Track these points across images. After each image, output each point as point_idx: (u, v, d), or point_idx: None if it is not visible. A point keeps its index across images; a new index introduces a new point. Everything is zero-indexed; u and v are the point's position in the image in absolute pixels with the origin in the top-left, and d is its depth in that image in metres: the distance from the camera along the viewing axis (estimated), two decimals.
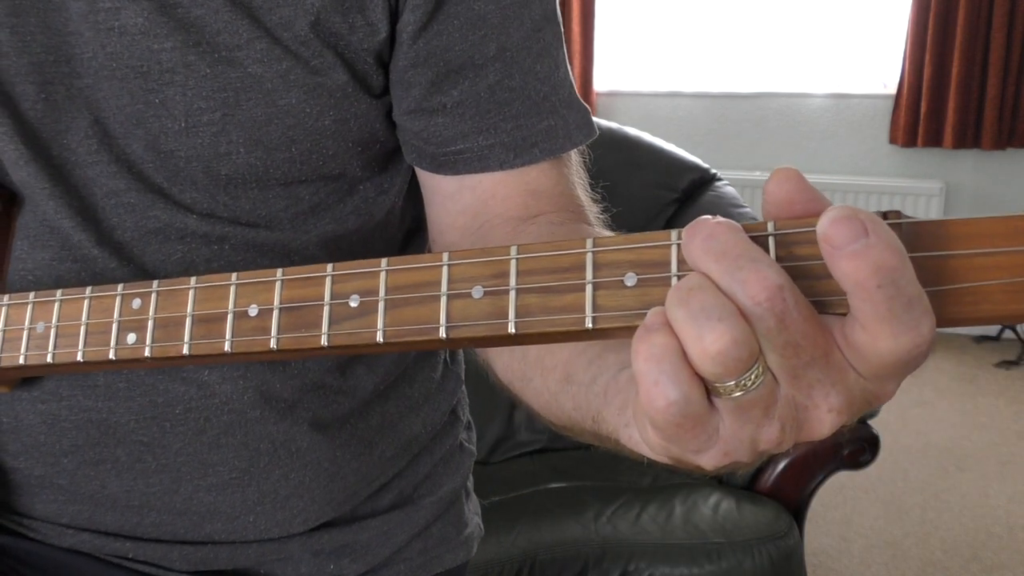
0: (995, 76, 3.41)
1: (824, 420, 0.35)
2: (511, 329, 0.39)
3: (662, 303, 0.35)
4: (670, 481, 1.72)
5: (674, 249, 0.36)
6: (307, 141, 0.60)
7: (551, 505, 1.65)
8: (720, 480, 1.74)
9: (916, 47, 3.52)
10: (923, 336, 0.32)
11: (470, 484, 0.83)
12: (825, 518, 2.43)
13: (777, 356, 0.33)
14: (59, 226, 0.60)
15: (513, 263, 0.39)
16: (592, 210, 0.65)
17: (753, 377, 0.33)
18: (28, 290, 0.54)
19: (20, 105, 0.58)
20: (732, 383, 0.33)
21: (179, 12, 0.56)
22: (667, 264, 0.36)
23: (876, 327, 0.32)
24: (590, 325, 0.37)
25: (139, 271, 0.61)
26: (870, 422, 1.72)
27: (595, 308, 0.37)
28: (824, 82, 3.84)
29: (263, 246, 0.62)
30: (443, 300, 0.40)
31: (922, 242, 0.34)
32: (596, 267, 0.37)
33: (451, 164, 0.63)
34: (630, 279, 0.37)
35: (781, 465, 1.69)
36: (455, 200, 0.64)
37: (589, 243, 0.38)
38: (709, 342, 0.32)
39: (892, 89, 3.68)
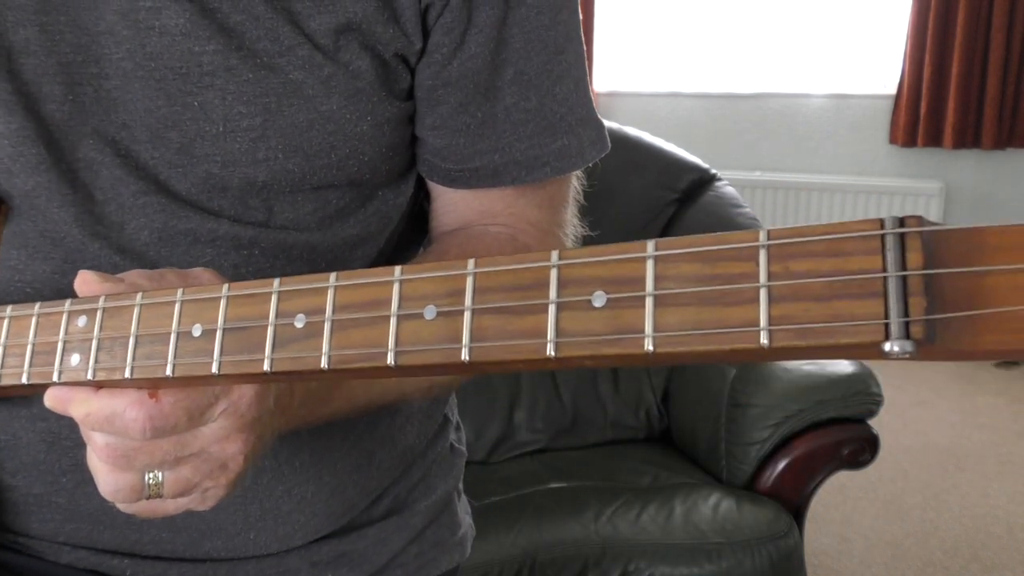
0: (995, 76, 3.41)
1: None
2: (464, 356, 0.35)
3: (633, 328, 0.32)
4: (670, 481, 1.72)
5: (650, 264, 0.32)
6: (346, 147, 0.60)
7: (551, 505, 1.65)
8: (720, 480, 1.74)
9: (916, 47, 3.52)
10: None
11: (460, 484, 0.83)
12: (825, 518, 2.43)
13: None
14: (68, 235, 0.59)
15: (470, 279, 0.35)
16: (575, 225, 0.69)
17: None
18: (25, 303, 0.53)
19: (45, 107, 0.57)
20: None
21: (219, 17, 0.55)
22: (641, 281, 0.32)
23: None
24: (552, 353, 0.33)
25: None
26: (870, 422, 1.71)
27: (558, 332, 0.33)
28: (824, 82, 3.84)
29: (292, 248, 0.62)
30: (393, 321, 0.36)
31: (951, 255, 0.28)
32: (561, 284, 0.33)
33: (465, 180, 0.65)
34: (599, 299, 0.32)
35: (781, 465, 1.68)
36: (459, 208, 0.66)
37: (554, 256, 0.33)
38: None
39: (892, 89, 3.68)
